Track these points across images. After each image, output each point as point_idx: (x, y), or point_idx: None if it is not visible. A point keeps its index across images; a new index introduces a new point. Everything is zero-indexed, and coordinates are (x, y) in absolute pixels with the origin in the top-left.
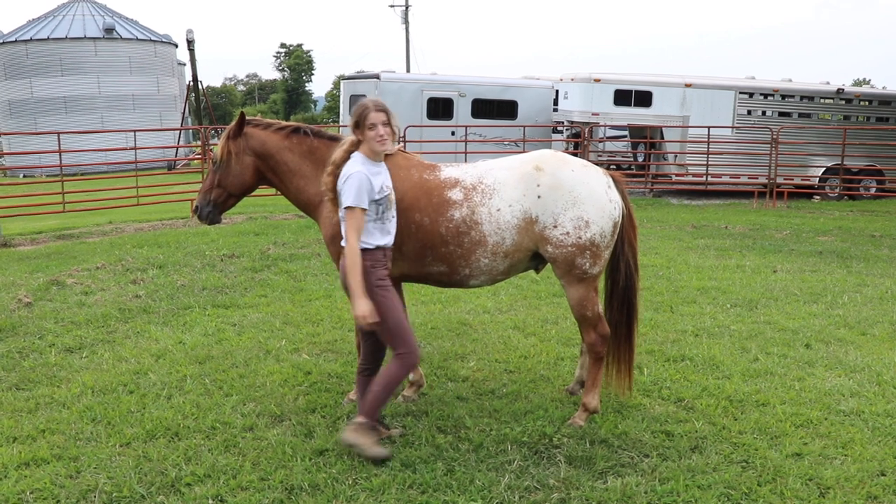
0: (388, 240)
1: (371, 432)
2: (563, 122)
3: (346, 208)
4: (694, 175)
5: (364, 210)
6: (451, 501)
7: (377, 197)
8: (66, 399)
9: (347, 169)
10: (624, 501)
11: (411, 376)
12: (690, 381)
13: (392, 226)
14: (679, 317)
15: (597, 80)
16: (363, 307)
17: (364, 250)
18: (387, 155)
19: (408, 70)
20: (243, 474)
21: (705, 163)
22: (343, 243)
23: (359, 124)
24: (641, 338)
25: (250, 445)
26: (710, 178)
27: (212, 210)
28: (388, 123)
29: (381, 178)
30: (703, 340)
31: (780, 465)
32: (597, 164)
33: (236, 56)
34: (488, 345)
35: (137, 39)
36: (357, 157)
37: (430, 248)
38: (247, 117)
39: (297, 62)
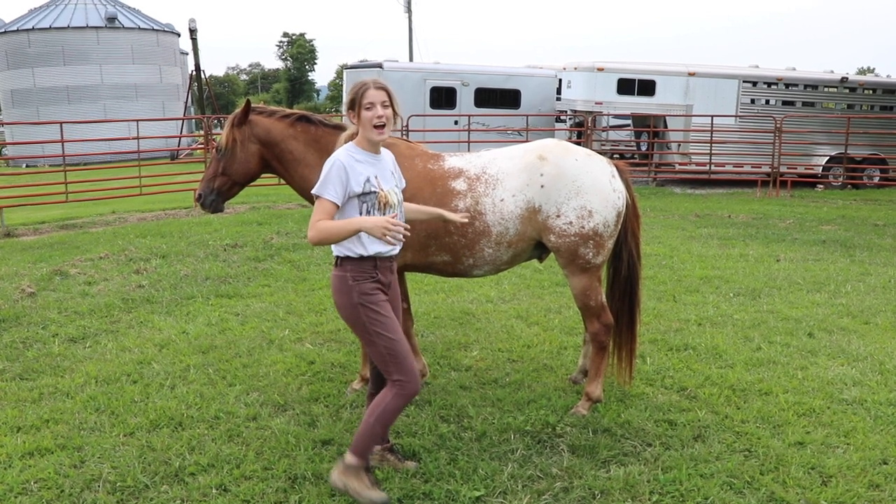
0: (379, 248)
1: (363, 474)
2: (566, 112)
3: (315, 197)
4: (697, 164)
5: (334, 204)
6: (455, 490)
7: (359, 190)
8: (69, 389)
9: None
10: (627, 490)
11: None
12: (693, 371)
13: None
14: (682, 306)
15: (600, 69)
16: (375, 219)
17: (346, 258)
18: (389, 145)
19: (411, 59)
20: (247, 464)
21: (709, 152)
22: (308, 234)
23: (354, 104)
24: (644, 327)
25: (254, 435)
26: (713, 168)
27: (215, 198)
28: (388, 105)
29: (372, 170)
30: (706, 329)
31: (783, 454)
32: (600, 154)
33: (239, 45)
34: (491, 334)
35: (140, 29)
36: (349, 144)
37: (433, 238)
38: (252, 105)
39: (300, 51)
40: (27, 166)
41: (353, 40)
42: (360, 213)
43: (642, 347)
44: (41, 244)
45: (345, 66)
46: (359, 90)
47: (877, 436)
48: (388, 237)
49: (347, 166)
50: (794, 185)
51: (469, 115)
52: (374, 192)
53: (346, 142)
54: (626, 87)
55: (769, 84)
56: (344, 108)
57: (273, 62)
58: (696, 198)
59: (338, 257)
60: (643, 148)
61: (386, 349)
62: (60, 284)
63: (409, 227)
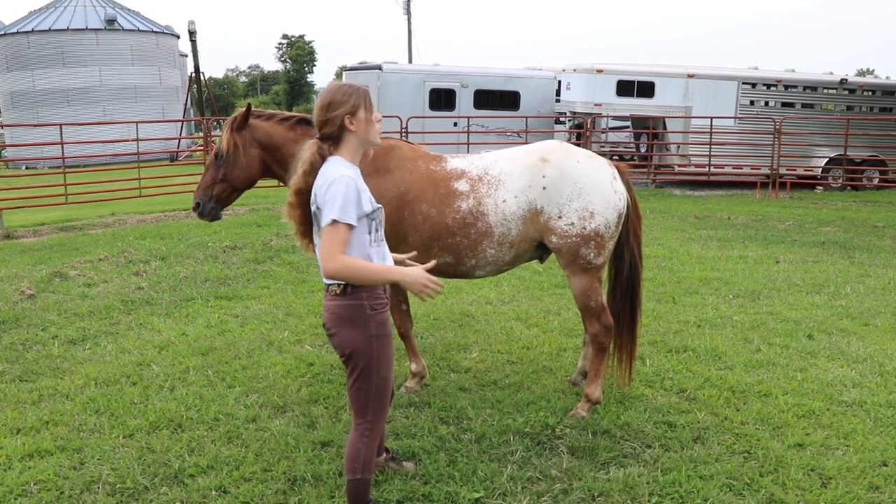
0: (390, 264)
1: None
2: (565, 113)
3: (330, 223)
4: (696, 166)
5: (350, 227)
6: (454, 492)
7: (369, 209)
8: (69, 391)
9: (328, 172)
10: (626, 492)
11: (414, 367)
12: (693, 372)
13: (387, 251)
14: (681, 307)
15: (599, 71)
16: (415, 272)
17: (363, 287)
18: (392, 147)
19: (410, 60)
20: (246, 465)
21: (708, 153)
22: (325, 264)
23: (358, 109)
24: (644, 329)
25: (253, 437)
26: (712, 169)
27: (214, 206)
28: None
29: (365, 185)
30: (706, 331)
31: (782, 456)
32: (599, 155)
33: (238, 47)
34: (491, 336)
35: (139, 30)
36: (339, 159)
37: (436, 240)
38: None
39: (299, 53)
40: (27, 168)
41: (353, 42)
42: (369, 233)
43: (641, 349)
44: (41, 246)
45: (344, 68)
46: (362, 95)
47: (876, 437)
48: (423, 294)
49: (358, 184)
50: (794, 186)
51: (468, 117)
52: (380, 208)
53: (318, 152)
54: (625, 88)
55: (768, 86)
56: (338, 111)
57: (272, 64)
58: (695, 199)
59: (346, 285)
60: (642, 149)
61: (378, 388)
62: (60, 286)
63: (442, 284)
